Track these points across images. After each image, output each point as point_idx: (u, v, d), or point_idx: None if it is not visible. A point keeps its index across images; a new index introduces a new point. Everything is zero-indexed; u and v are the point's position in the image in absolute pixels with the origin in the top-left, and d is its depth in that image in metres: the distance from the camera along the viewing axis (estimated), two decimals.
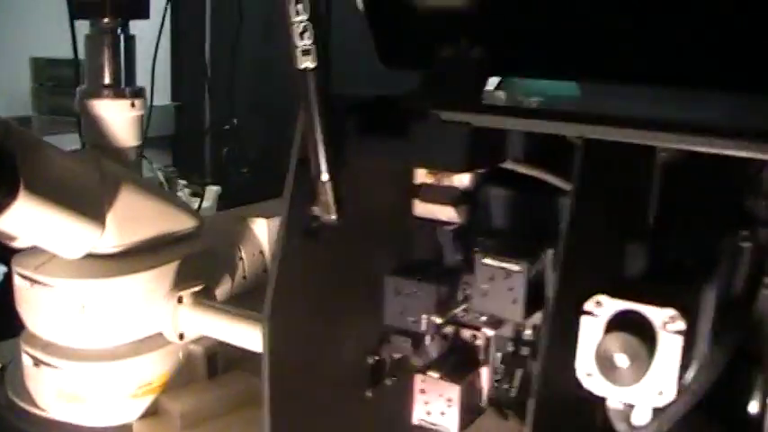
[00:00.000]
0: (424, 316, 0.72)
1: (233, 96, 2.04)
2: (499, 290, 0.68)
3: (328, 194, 0.60)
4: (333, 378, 0.73)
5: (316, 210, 0.61)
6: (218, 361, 0.98)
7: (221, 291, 1.01)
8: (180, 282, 0.92)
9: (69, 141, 1.03)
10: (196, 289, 0.92)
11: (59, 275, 0.87)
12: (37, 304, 0.89)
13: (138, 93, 0.94)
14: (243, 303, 0.98)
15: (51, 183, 0.80)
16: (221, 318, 0.89)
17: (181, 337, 0.91)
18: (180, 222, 0.95)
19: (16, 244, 0.87)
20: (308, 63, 0.56)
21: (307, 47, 0.56)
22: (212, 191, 2.26)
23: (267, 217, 1.09)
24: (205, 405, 0.94)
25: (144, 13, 0.93)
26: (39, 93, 3.24)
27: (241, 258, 1.05)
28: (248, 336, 0.86)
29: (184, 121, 2.90)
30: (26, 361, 0.93)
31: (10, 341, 1.16)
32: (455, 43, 0.71)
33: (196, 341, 0.94)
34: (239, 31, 1.90)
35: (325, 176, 0.59)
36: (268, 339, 0.62)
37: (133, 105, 0.93)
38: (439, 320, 0.71)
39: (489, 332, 0.73)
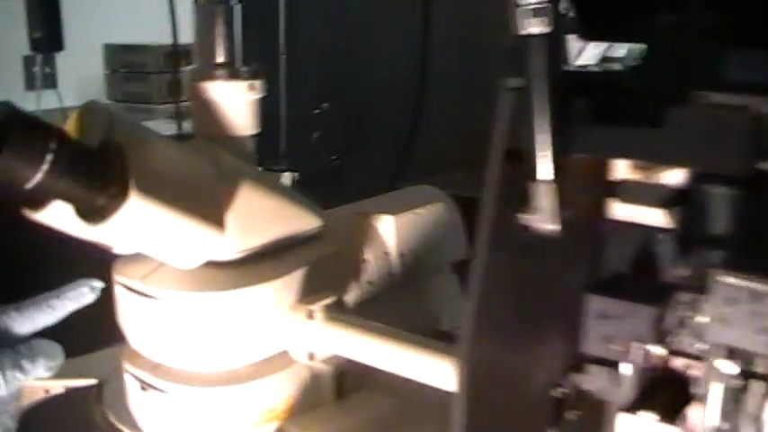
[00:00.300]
0: (635, 344, 0.58)
1: (321, 79, 1.91)
2: (741, 315, 0.53)
3: (549, 198, 0.46)
4: (516, 414, 0.60)
5: (526, 217, 0.47)
6: (346, 380, 0.85)
7: (347, 299, 0.88)
8: (308, 292, 0.79)
9: None
10: (328, 301, 0.79)
11: (171, 287, 0.75)
12: (144, 320, 0.77)
13: (256, 72, 0.81)
14: (366, 312, 0.85)
15: (165, 180, 0.68)
16: (365, 336, 0.76)
17: (311, 357, 0.78)
18: (303, 222, 0.82)
19: (116, 250, 0.75)
20: (538, 27, 0.42)
21: (538, 6, 0.42)
22: (288, 177, 2.16)
23: (393, 213, 0.95)
24: None
25: None
26: (112, 79, 3.17)
27: (366, 261, 0.92)
28: (403, 360, 0.73)
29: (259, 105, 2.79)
30: (130, 383, 0.81)
31: (105, 352, 1.06)
32: (677, 9, 0.56)
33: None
34: (328, 7, 1.78)
35: (546, 175, 0.45)
36: (465, 380, 0.49)
37: (252, 87, 0.80)
38: (659, 351, 0.57)
39: (719, 365, 0.58)
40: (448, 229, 1.03)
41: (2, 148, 0.58)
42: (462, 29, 2.67)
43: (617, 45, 2.28)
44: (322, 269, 0.82)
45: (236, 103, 0.80)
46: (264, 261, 0.78)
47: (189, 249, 0.70)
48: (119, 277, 0.78)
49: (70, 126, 0.68)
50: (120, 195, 0.63)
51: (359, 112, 2.40)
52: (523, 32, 0.43)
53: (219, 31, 0.79)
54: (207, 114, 0.80)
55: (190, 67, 0.82)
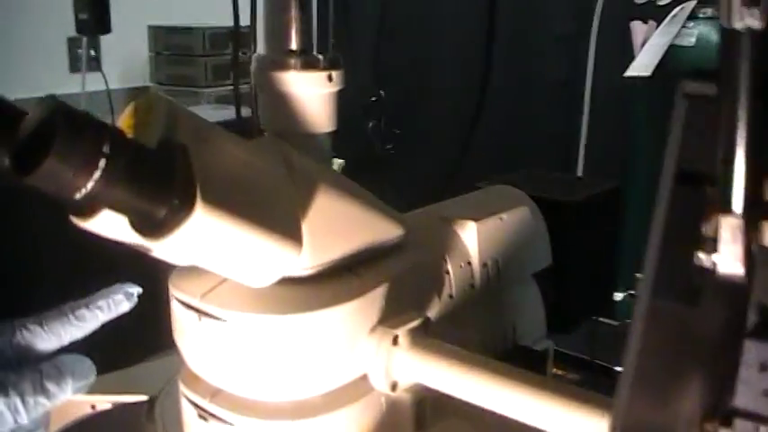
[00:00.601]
0: None
1: (379, 65, 1.81)
2: None
3: (740, 235, 0.36)
4: None
5: (707, 258, 0.37)
6: (426, 408, 0.75)
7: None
8: (389, 311, 0.70)
9: None
10: (414, 324, 0.69)
11: (236, 307, 0.65)
12: (204, 341, 0.68)
13: (334, 61, 0.71)
14: (442, 327, 0.77)
15: (234, 188, 0.58)
16: (460, 368, 0.67)
17: (393, 386, 0.69)
18: (384, 231, 0.73)
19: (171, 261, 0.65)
20: (752, 20, 0.32)
21: None
22: (336, 164, 2.09)
23: (476, 219, 0.86)
24: None
25: None
26: (157, 62, 3.10)
27: (447, 272, 0.83)
28: (504, 397, 0.63)
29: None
30: (188, 410, 0.72)
31: (155, 363, 0.98)
32: None
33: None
34: None
35: (740, 206, 0.35)
36: None
37: (330, 78, 0.70)
38: None
39: None
40: (532, 235, 0.94)
41: (46, 151, 0.49)
42: (528, 11, 2.57)
43: (686, 33, 2.17)
44: (403, 284, 0.73)
45: (312, 96, 0.70)
46: (341, 277, 0.69)
47: (260, 267, 0.61)
48: (176, 292, 0.69)
49: (124, 121, 0.59)
50: (185, 207, 0.54)
51: (416, 99, 2.31)
52: (736, 26, 0.33)
53: (294, 13, 0.69)
54: (278, 108, 0.70)
55: (256, 54, 0.73)
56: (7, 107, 0.55)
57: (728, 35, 0.33)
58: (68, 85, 2.85)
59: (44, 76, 2.82)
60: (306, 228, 0.64)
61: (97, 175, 0.50)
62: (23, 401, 0.66)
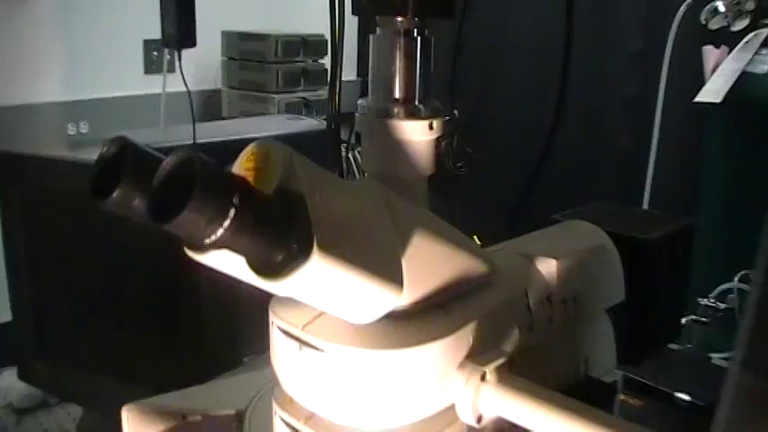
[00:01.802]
0: None
1: (453, 85, 1.84)
2: None
3: None
4: None
5: None
6: None
7: (507, 350, 0.82)
8: (477, 347, 0.74)
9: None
10: (501, 362, 0.73)
11: (337, 341, 0.70)
12: (303, 369, 0.72)
13: (435, 111, 0.75)
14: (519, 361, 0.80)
15: (346, 233, 0.62)
16: (544, 408, 0.70)
17: (479, 419, 0.73)
18: (473, 268, 0.77)
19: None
20: None
21: None
22: None
23: (556, 256, 0.90)
24: None
25: (450, 11, 0.74)
26: (229, 66, 3.17)
27: (528, 306, 0.86)
28: None
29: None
30: (281, 430, 0.77)
31: (244, 377, 1.03)
32: None
33: None
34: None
35: None
36: None
37: (431, 127, 0.75)
38: None
39: None
40: (608, 271, 0.97)
41: (183, 201, 0.53)
42: (602, 29, 2.58)
43: (759, 61, 2.17)
44: (489, 320, 0.76)
45: (413, 143, 0.74)
46: (434, 314, 0.73)
47: (364, 306, 0.66)
48: (277, 320, 0.74)
49: (242, 164, 0.64)
50: (302, 253, 0.58)
51: (488, 117, 2.34)
52: None
53: (400, 65, 0.74)
54: (381, 153, 0.75)
55: (361, 101, 0.77)
56: (146, 156, 0.60)
57: None
58: (143, 87, 2.93)
59: (120, 78, 2.90)
60: (404, 267, 0.68)
61: (227, 224, 0.55)
62: None
